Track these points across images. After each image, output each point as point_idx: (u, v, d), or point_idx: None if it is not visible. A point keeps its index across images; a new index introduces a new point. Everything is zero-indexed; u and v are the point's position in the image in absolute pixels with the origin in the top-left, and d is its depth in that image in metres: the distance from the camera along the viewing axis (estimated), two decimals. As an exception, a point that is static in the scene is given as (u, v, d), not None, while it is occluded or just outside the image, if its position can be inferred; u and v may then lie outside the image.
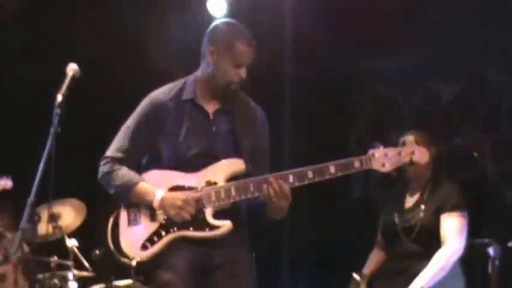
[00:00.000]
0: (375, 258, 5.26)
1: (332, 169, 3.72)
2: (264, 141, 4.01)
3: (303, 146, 7.46)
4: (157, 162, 3.89)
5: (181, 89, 3.95)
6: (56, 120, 3.58)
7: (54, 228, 6.06)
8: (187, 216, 3.72)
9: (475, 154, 6.95)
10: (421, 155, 3.82)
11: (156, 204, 3.77)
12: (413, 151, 3.81)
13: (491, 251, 5.14)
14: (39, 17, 7.35)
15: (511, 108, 6.98)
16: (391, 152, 3.78)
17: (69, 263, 6.36)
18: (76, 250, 6.50)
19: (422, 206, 4.90)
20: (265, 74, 6.77)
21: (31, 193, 3.52)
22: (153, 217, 3.79)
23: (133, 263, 3.75)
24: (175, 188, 3.79)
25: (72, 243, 6.44)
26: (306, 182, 3.72)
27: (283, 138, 7.53)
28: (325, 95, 7.69)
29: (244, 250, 3.89)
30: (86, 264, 6.53)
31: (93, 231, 6.79)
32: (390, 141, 7.48)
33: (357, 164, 3.73)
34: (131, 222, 3.83)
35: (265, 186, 3.69)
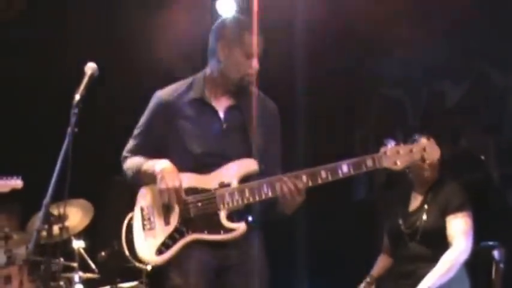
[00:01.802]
0: (382, 263, 5.29)
1: (345, 168, 3.69)
2: (275, 135, 3.99)
3: (311, 146, 7.45)
4: None
5: (189, 88, 3.93)
6: (73, 120, 3.50)
7: (60, 229, 6.03)
8: (170, 201, 3.69)
9: (482, 157, 6.93)
10: (433, 152, 3.81)
11: (158, 175, 3.72)
12: (425, 148, 3.79)
13: (496, 254, 5.14)
14: (46, 17, 7.37)
15: (515, 110, 6.98)
16: (402, 149, 3.75)
17: (75, 264, 6.39)
18: (82, 252, 6.53)
19: (426, 208, 4.92)
20: (274, 75, 6.84)
21: (47, 194, 3.47)
22: (167, 220, 3.77)
23: (149, 267, 3.80)
24: (188, 190, 3.75)
25: (78, 244, 6.48)
26: (320, 182, 3.70)
27: (294, 139, 7.52)
28: (331, 96, 7.68)
29: (257, 251, 3.86)
30: (92, 265, 6.56)
31: (99, 233, 6.84)
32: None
33: (369, 162, 3.70)
34: (145, 226, 3.80)
35: (278, 185, 3.67)
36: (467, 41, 6.81)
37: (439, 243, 4.79)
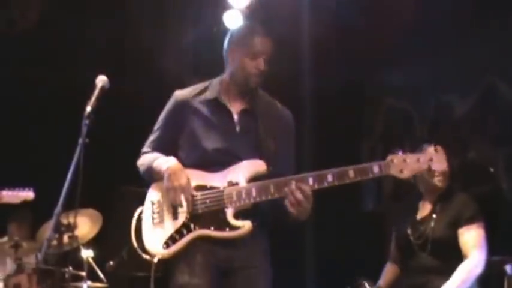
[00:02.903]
0: (389, 272, 5.25)
1: (351, 173, 3.71)
2: (289, 143, 4.05)
3: (318, 158, 7.46)
4: (180, 160, 3.92)
5: (206, 89, 4.03)
6: (84, 131, 3.57)
7: (69, 238, 6.02)
8: (177, 199, 3.78)
9: (492, 169, 6.93)
10: (439, 162, 3.80)
11: (165, 173, 3.82)
12: (432, 158, 3.77)
13: (508, 268, 5.16)
14: (59, 28, 7.43)
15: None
16: (409, 158, 3.74)
17: (84, 274, 6.39)
18: (91, 261, 6.54)
19: (434, 217, 4.89)
20: (281, 86, 6.85)
21: (58, 203, 3.51)
22: (175, 215, 3.84)
23: (155, 260, 3.88)
24: (198, 187, 3.83)
25: (87, 254, 6.49)
26: (326, 185, 3.72)
27: (300, 150, 7.55)
28: (338, 107, 7.71)
29: (261, 255, 3.91)
30: (101, 275, 6.57)
31: (107, 242, 6.85)
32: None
33: (375, 169, 3.72)
34: (155, 220, 3.87)
35: (286, 189, 3.71)
36: (476, 53, 6.77)
37: (449, 254, 4.76)
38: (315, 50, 7.25)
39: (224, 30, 6.98)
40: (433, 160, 3.76)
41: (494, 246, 4.93)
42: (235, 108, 3.97)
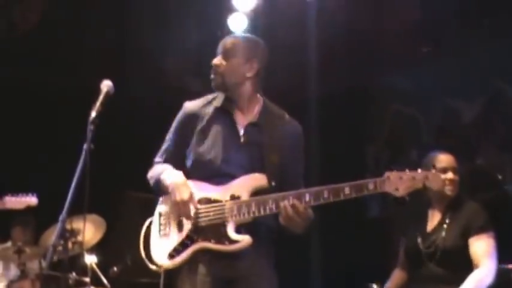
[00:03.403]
0: (397, 278, 5.22)
1: (347, 190, 3.74)
2: (297, 155, 4.07)
3: (324, 163, 7.47)
4: (185, 171, 3.98)
5: (213, 99, 4.07)
6: (89, 136, 3.56)
7: (73, 244, 6.11)
8: (180, 213, 3.85)
9: (499, 176, 6.90)
10: (436, 181, 3.78)
11: (169, 188, 3.89)
12: (428, 176, 3.76)
13: (516, 276, 5.13)
14: (60, 30, 7.43)
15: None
16: (405, 175, 3.75)
17: (87, 279, 6.36)
18: (95, 267, 6.52)
19: (445, 227, 4.88)
20: (286, 91, 6.84)
21: (64, 209, 3.47)
22: (180, 228, 3.91)
23: (161, 270, 3.88)
24: (202, 200, 3.89)
25: (90, 259, 6.48)
26: (322, 202, 3.75)
27: (306, 156, 7.56)
28: (344, 112, 7.73)
29: (264, 264, 3.95)
30: (104, 281, 6.53)
31: (111, 248, 6.84)
32: (407, 159, 7.54)
33: (371, 186, 3.74)
34: (161, 232, 3.95)
35: (281, 204, 3.75)
36: (483, 58, 6.81)
37: (459, 264, 4.75)
38: (322, 54, 7.26)
39: (228, 33, 7.06)
40: (428, 179, 3.75)
41: (500, 253, 4.89)
42: (242, 120, 4.00)
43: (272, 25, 6.97)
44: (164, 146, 4.14)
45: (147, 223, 4.01)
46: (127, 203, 6.86)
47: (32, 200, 5.81)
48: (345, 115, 7.79)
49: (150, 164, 4.15)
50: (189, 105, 4.10)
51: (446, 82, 7.25)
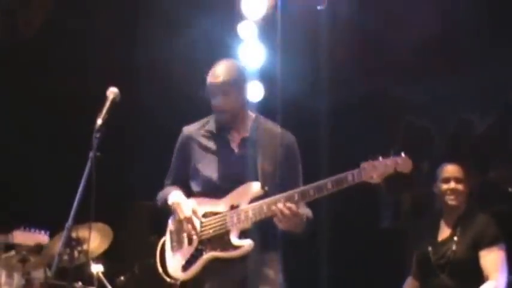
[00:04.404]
0: (410, 287, 5.30)
1: (329, 185, 4.03)
2: (292, 165, 4.33)
3: (334, 170, 7.47)
4: (188, 190, 4.34)
5: (208, 122, 4.40)
6: (95, 144, 3.67)
7: (79, 252, 6.04)
8: (187, 228, 4.17)
9: (510, 189, 6.92)
10: (405, 164, 3.99)
11: (172, 208, 4.26)
12: (397, 161, 3.99)
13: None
14: (65, 37, 7.47)
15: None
16: (378, 163, 4.00)
17: (93, 289, 6.36)
18: (101, 276, 6.50)
19: (456, 239, 4.95)
20: (298, 100, 6.83)
21: (69, 218, 3.59)
22: (190, 242, 4.24)
23: (178, 283, 4.25)
24: (206, 214, 4.23)
25: (97, 268, 6.47)
26: (308, 199, 4.08)
27: (317, 166, 7.54)
28: (357, 124, 7.69)
29: (270, 266, 4.23)
30: (110, 289, 6.52)
31: (118, 257, 6.81)
32: (421, 172, 7.51)
33: (349, 177, 4.02)
34: (174, 248, 4.30)
35: (273, 207, 4.05)
36: (496, 71, 6.78)
37: (469, 276, 4.83)
38: (334, 64, 7.23)
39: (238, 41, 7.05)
40: (398, 163, 3.99)
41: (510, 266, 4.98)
42: (235, 137, 4.31)
43: (283, 34, 6.97)
44: (170, 170, 4.48)
45: (161, 242, 4.35)
46: (135, 212, 6.86)
47: (43, 238, 5.74)
48: (357, 125, 7.75)
49: (158, 173, 4.40)
50: (186, 130, 4.43)
51: (459, 95, 7.22)
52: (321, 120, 7.46)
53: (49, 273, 6.27)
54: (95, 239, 6.41)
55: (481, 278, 4.82)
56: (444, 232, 5.07)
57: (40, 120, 7.74)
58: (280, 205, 4.01)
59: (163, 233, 4.40)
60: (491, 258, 4.83)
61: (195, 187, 4.31)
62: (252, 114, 4.38)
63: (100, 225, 6.37)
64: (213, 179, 4.23)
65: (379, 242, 7.44)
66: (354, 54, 7.22)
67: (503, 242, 4.90)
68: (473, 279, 4.80)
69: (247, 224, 4.13)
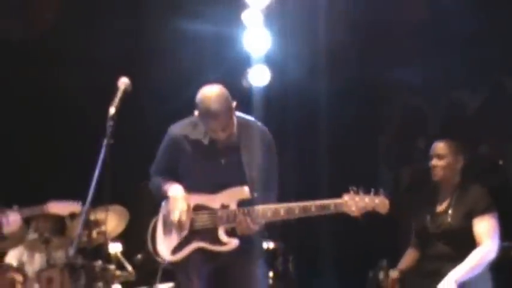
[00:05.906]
0: (409, 256, 5.48)
1: (313, 208, 4.45)
2: (270, 156, 4.65)
3: (333, 155, 7.55)
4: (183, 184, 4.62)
5: (194, 127, 4.61)
6: (109, 131, 3.78)
7: (98, 233, 6.29)
8: (176, 220, 4.49)
9: (501, 162, 7.08)
10: (382, 205, 4.48)
11: (170, 199, 4.55)
12: (375, 200, 4.45)
13: (515, 253, 5.33)
14: (74, 32, 7.53)
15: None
16: (359, 198, 4.45)
17: (112, 267, 6.53)
18: (119, 255, 6.73)
19: (451, 210, 5.14)
20: (297, 84, 7.02)
21: (86, 201, 3.71)
22: (180, 229, 4.55)
23: (165, 262, 4.59)
24: (198, 207, 4.56)
25: (115, 248, 6.69)
26: (292, 217, 4.50)
27: (316, 148, 7.58)
28: (355, 105, 7.87)
29: (252, 259, 4.62)
30: (129, 268, 6.74)
31: (134, 236, 6.96)
32: (417, 148, 7.61)
33: (332, 207, 4.45)
34: (165, 232, 4.62)
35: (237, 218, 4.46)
36: (485, 51, 6.95)
37: (464, 243, 5.00)
38: (330, 49, 7.33)
39: (243, 29, 7.19)
40: (375, 203, 4.46)
41: (504, 234, 5.14)
42: (221, 143, 4.52)
43: (283, 20, 7.09)
44: (155, 164, 4.75)
45: (153, 222, 4.66)
46: (148, 192, 6.98)
47: (76, 206, 5.69)
48: (356, 107, 7.93)
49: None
50: (173, 131, 4.64)
51: (451, 74, 7.37)
52: (318, 104, 7.53)
53: (70, 253, 6.56)
54: (112, 220, 6.63)
55: (475, 245, 4.95)
56: (441, 205, 5.23)
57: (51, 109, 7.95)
58: (241, 217, 4.42)
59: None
60: (483, 225, 4.99)
61: (186, 188, 4.57)
62: (235, 119, 4.52)
63: (117, 207, 6.62)
64: (202, 185, 4.53)
65: (376, 216, 7.59)
66: (349, 39, 7.33)
67: (495, 211, 5.05)
68: (468, 246, 4.94)
69: (233, 224, 4.47)
